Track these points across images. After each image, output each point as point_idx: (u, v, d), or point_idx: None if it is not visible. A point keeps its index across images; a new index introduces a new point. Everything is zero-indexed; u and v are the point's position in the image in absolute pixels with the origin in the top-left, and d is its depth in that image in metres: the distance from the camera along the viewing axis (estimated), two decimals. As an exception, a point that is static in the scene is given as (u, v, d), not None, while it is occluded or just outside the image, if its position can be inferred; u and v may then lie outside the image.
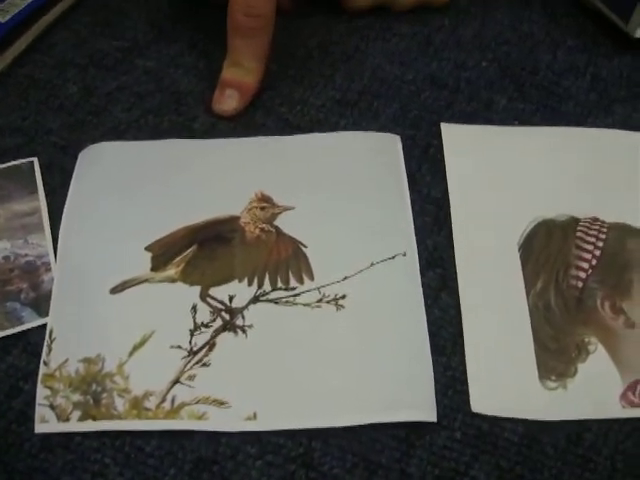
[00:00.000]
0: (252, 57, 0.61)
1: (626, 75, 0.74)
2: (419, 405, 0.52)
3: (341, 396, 0.52)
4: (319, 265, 0.58)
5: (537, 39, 0.75)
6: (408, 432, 0.52)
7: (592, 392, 0.54)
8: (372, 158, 0.64)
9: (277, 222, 0.60)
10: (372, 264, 0.58)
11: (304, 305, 0.56)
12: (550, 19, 0.76)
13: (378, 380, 0.53)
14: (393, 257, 0.58)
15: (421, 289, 0.57)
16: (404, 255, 0.58)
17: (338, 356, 0.53)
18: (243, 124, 0.66)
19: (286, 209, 0.61)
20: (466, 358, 0.55)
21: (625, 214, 0.63)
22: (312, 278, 0.57)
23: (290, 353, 0.53)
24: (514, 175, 0.65)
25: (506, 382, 0.54)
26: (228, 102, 0.63)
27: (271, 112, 0.68)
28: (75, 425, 0.47)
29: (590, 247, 0.60)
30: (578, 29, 0.76)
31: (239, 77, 0.62)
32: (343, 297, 0.56)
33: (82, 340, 0.50)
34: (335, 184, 0.62)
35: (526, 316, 0.57)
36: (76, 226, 0.55)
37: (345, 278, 0.57)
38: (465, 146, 0.66)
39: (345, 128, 0.67)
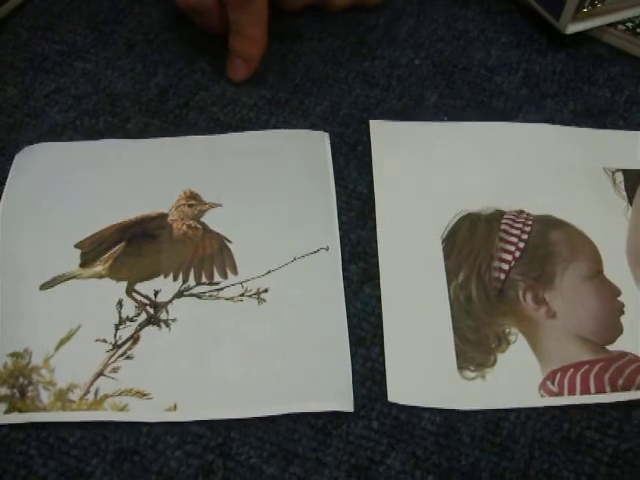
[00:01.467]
0: (250, 25, 0.65)
1: (559, 71, 0.76)
2: (336, 395, 0.54)
3: (259, 387, 0.54)
4: (243, 260, 0.60)
5: (471, 36, 0.78)
6: (325, 422, 0.54)
7: (511, 382, 0.56)
8: (300, 155, 0.66)
9: (204, 219, 0.62)
10: (295, 258, 0.60)
11: (226, 299, 0.58)
12: (486, 17, 0.79)
13: (296, 371, 0.55)
14: (316, 251, 0.60)
15: (342, 282, 0.59)
16: (327, 249, 0.60)
17: (258, 348, 0.56)
18: (175, 124, 0.69)
19: (213, 206, 0.63)
20: (385, 349, 0.57)
21: (551, 206, 0.65)
22: (236, 273, 0.59)
23: (211, 346, 0.55)
24: (440, 170, 0.67)
25: (424, 372, 0.56)
26: (236, 72, 0.70)
27: (203, 112, 0.70)
28: (1, 417, 0.49)
29: (514, 239, 0.62)
30: (514, 26, 0.79)
31: (241, 46, 0.67)
32: (265, 291, 0.59)
33: (11, 335, 0.52)
34: (263, 181, 0.64)
35: (447, 308, 0.59)
36: (10, 225, 0.56)
37: (268, 272, 0.59)
38: (392, 142, 0.68)
39: (275, 126, 0.69)
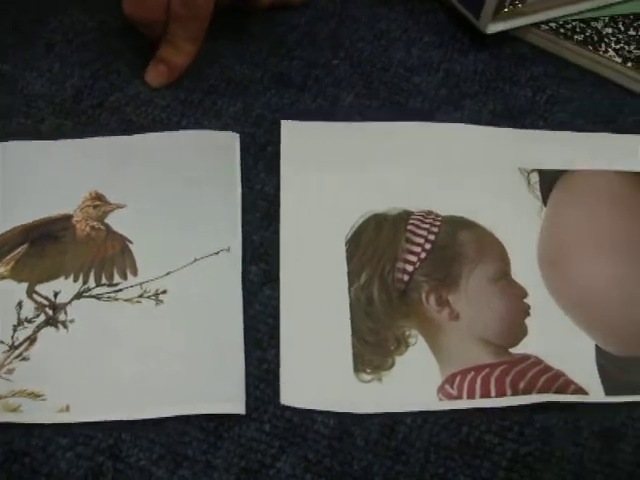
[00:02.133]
0: (186, 40, 0.66)
1: (480, 70, 0.77)
2: (228, 397, 0.54)
3: (151, 389, 0.54)
4: (144, 261, 0.60)
5: (393, 36, 0.78)
6: (217, 425, 0.54)
7: (408, 385, 0.56)
8: (208, 156, 0.67)
9: (108, 220, 0.62)
10: (195, 259, 0.60)
11: (125, 300, 0.59)
12: (409, 16, 0.79)
13: (188, 373, 0.55)
14: (217, 253, 0.61)
15: (240, 284, 0.59)
16: (228, 250, 0.61)
17: (153, 350, 0.56)
18: (88, 125, 0.69)
19: (118, 207, 0.63)
20: (280, 351, 0.57)
21: (461, 207, 0.65)
22: (135, 274, 0.60)
23: (107, 347, 0.56)
24: (349, 170, 0.67)
25: (320, 375, 0.56)
26: (157, 77, 0.69)
27: (116, 112, 0.71)
28: None
29: (421, 240, 0.62)
30: (437, 26, 0.79)
31: (170, 56, 0.67)
32: (164, 292, 0.59)
33: None
34: (169, 182, 0.64)
35: (346, 310, 0.58)
36: None
37: (168, 273, 0.59)
38: (302, 143, 0.68)
39: (187, 127, 0.69)
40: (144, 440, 0.53)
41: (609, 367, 0.58)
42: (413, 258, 0.62)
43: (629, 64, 0.76)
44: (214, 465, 0.52)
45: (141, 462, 0.52)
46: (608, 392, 0.57)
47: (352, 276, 0.60)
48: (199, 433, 0.54)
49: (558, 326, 0.60)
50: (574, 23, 0.78)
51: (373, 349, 0.57)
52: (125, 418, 0.53)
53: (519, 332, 0.60)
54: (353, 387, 0.56)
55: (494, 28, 0.76)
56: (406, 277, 0.61)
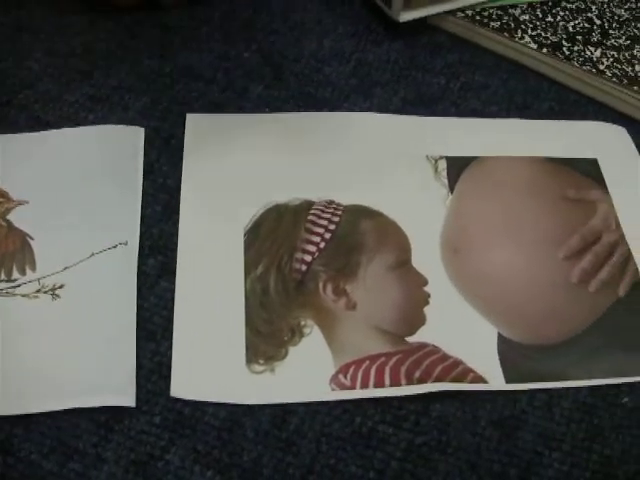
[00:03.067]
0: None
1: (393, 60, 0.77)
2: (117, 390, 0.55)
3: (43, 383, 0.55)
4: (43, 257, 0.61)
5: (307, 28, 0.78)
6: (108, 417, 0.54)
7: (301, 375, 0.56)
8: (110, 151, 0.67)
9: (10, 216, 0.63)
10: (93, 254, 0.61)
11: (22, 296, 0.59)
12: (325, 7, 0.79)
13: (79, 367, 0.55)
14: (115, 246, 0.61)
15: (136, 277, 0.60)
16: (126, 244, 0.61)
17: (47, 344, 0.56)
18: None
19: (19, 203, 0.64)
20: (173, 343, 0.57)
21: (365, 196, 0.65)
22: (34, 269, 0.60)
23: (3, 343, 0.56)
24: (252, 161, 0.67)
25: (211, 367, 0.56)
26: None
27: (25, 110, 0.71)
28: None
29: (321, 230, 0.63)
30: (352, 16, 0.79)
31: None
32: (61, 287, 0.59)
33: None
34: (71, 178, 0.65)
35: (241, 301, 0.59)
36: None
37: (65, 268, 0.60)
38: (207, 135, 0.69)
39: (93, 122, 0.70)
40: (36, 434, 0.53)
41: (511, 354, 0.58)
42: (312, 248, 0.62)
43: (545, 50, 0.77)
44: (104, 458, 0.52)
45: (32, 456, 0.52)
46: (509, 380, 0.58)
47: (249, 266, 0.61)
48: (90, 426, 0.54)
49: (458, 314, 0.60)
50: (491, 10, 0.79)
51: (266, 340, 0.57)
52: (16, 412, 0.54)
53: (417, 321, 0.60)
54: (244, 378, 0.56)
55: (406, 17, 0.77)
56: (304, 267, 0.61)
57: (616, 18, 0.81)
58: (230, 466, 0.53)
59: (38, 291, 0.59)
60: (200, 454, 0.53)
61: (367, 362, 0.57)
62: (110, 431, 0.54)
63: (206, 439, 0.54)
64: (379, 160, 0.68)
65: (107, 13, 0.74)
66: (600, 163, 0.71)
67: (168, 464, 0.52)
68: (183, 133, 0.69)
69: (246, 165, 0.67)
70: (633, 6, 0.82)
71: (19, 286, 0.59)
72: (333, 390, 0.56)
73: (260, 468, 0.52)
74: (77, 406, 0.54)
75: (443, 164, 0.69)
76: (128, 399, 0.55)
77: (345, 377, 0.56)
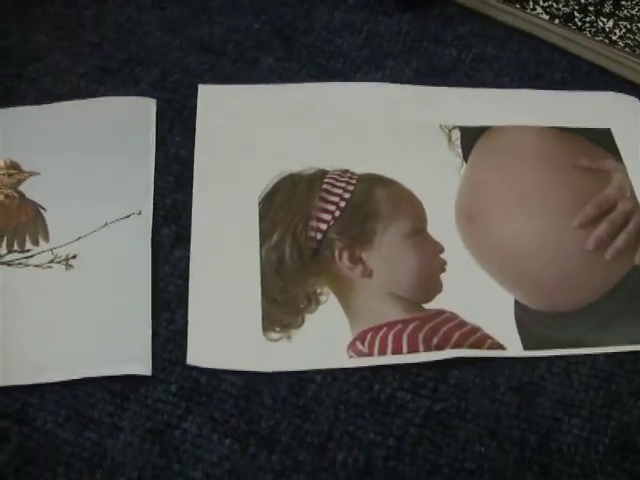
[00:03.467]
0: None
1: (405, 31, 0.77)
2: (133, 359, 0.55)
3: (58, 352, 0.55)
4: (56, 227, 0.61)
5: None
6: (124, 386, 0.54)
7: (318, 343, 0.56)
8: (123, 122, 0.67)
9: (22, 187, 0.63)
10: (106, 224, 0.61)
11: (35, 266, 0.59)
12: (335, -21, 0.76)
13: (94, 336, 0.55)
14: (128, 216, 0.61)
15: (150, 247, 0.60)
16: (139, 214, 0.61)
17: (61, 314, 0.56)
18: (8, 95, 0.70)
19: (31, 174, 0.64)
20: (189, 312, 0.57)
21: (379, 165, 0.65)
22: (47, 240, 0.60)
23: (16, 312, 0.56)
24: (265, 132, 0.67)
25: (227, 335, 0.56)
26: None
27: (35, 83, 0.71)
28: None
29: (335, 199, 0.63)
30: (363, -14, 0.75)
31: None
32: (74, 257, 0.59)
33: None
34: (85, 149, 0.65)
35: (257, 269, 0.59)
36: None
37: (78, 238, 0.60)
38: (219, 106, 0.69)
39: (104, 95, 0.69)
40: (51, 403, 0.53)
41: (528, 321, 0.58)
42: (327, 217, 0.62)
43: (557, 21, 0.77)
44: (120, 427, 0.52)
45: (47, 425, 0.52)
46: (526, 346, 0.57)
47: (264, 235, 0.60)
48: (106, 395, 0.54)
49: (475, 281, 0.60)
50: (503, -19, 0.75)
51: (283, 308, 0.57)
52: (31, 382, 0.54)
53: (434, 288, 0.59)
54: (261, 346, 0.56)
55: (419, -14, 0.72)
56: (319, 235, 0.61)
57: None
58: (248, 434, 0.52)
59: (51, 261, 0.59)
60: (217, 422, 0.53)
61: (384, 329, 0.57)
62: (126, 400, 0.53)
63: (223, 407, 0.53)
64: (392, 129, 0.68)
65: None
66: (613, 133, 0.71)
67: (185, 433, 0.52)
68: (195, 105, 0.69)
69: (258, 135, 0.67)
70: (646, -24, 0.78)
71: (32, 256, 0.59)
72: (351, 357, 0.56)
73: (278, 436, 0.52)
74: (92, 375, 0.54)
75: (457, 133, 0.69)
76: (144, 368, 0.54)
77: (363, 344, 0.56)
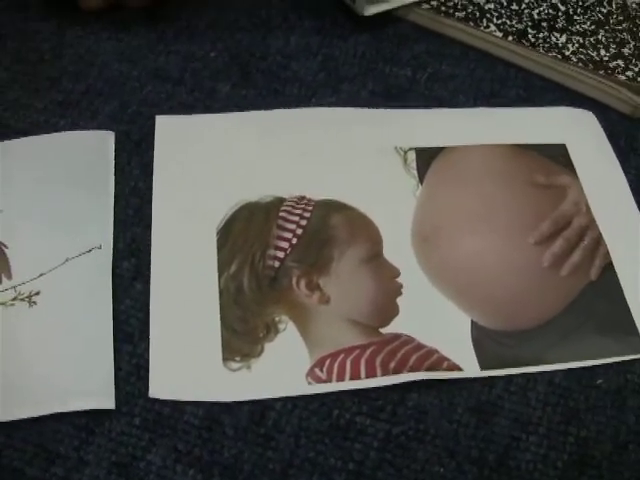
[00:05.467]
0: None
1: (360, 54, 0.79)
2: (96, 393, 0.56)
3: (21, 389, 0.56)
4: (18, 264, 0.62)
5: (273, 24, 0.80)
6: (88, 420, 0.55)
7: (278, 370, 0.58)
8: (81, 156, 0.69)
9: (-18, 226, 0.61)
10: (67, 259, 0.62)
11: (0, 304, 0.59)
12: (291, 3, 0.81)
13: (58, 371, 0.57)
14: (89, 251, 0.63)
15: (111, 280, 0.62)
16: (100, 248, 0.63)
17: (26, 352, 0.58)
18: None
19: (-9, 212, 0.62)
20: (150, 344, 0.58)
21: (335, 190, 0.67)
22: (10, 277, 0.61)
23: (-18, 352, 0.55)
24: (222, 161, 0.69)
25: (188, 366, 0.58)
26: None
27: (-5, 118, 0.69)
28: None
29: (292, 226, 0.64)
30: (318, 11, 0.81)
31: None
32: (37, 294, 0.61)
33: None
34: (45, 184, 0.67)
35: (215, 300, 0.60)
36: None
37: (40, 275, 0.61)
38: (177, 136, 0.70)
39: (64, 128, 0.71)
40: (18, 441, 0.55)
41: (485, 341, 0.60)
42: (284, 244, 0.63)
43: (510, 38, 0.78)
44: (86, 460, 0.54)
45: (15, 462, 0.54)
46: (483, 367, 0.59)
47: (222, 266, 0.62)
48: (71, 430, 0.55)
49: (431, 304, 0.62)
50: (456, 0, 0.81)
51: (242, 337, 0.59)
52: None
53: (390, 312, 0.61)
54: (222, 376, 0.57)
55: (371, 10, 0.78)
56: (277, 263, 0.62)
57: (580, 3, 0.82)
58: (211, 464, 0.54)
59: (14, 299, 0.61)
60: (181, 453, 0.54)
61: (342, 355, 0.59)
62: (91, 434, 0.55)
63: (186, 438, 0.55)
64: (348, 154, 0.70)
65: (74, 18, 0.77)
66: (569, 148, 0.73)
67: (150, 464, 0.54)
68: (153, 135, 0.70)
69: (216, 165, 0.68)
70: (597, -10, 0.79)
71: None
72: (310, 384, 0.57)
73: (241, 464, 0.54)
74: (57, 411, 0.55)
75: (412, 155, 0.70)
76: (107, 401, 0.56)
77: (321, 370, 0.58)
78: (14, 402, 0.55)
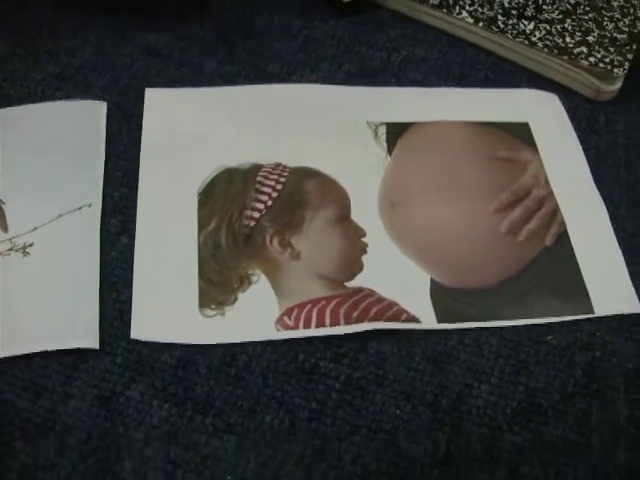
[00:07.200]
0: None
1: (339, 36, 0.85)
2: (82, 334, 0.63)
3: (15, 329, 0.62)
4: (14, 219, 0.69)
5: (259, 4, 0.87)
6: (75, 359, 0.61)
7: (249, 318, 0.64)
8: (75, 124, 0.75)
9: (-17, 185, 0.67)
10: (59, 215, 0.69)
11: (-4, 254, 0.63)
12: (277, -14, 0.83)
13: (48, 315, 0.63)
14: (80, 208, 0.69)
15: (99, 235, 0.68)
16: (90, 206, 0.69)
17: (20, 296, 0.64)
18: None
19: (-9, 173, 0.67)
20: (133, 291, 0.65)
21: (309, 159, 0.73)
22: (6, 230, 0.68)
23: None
24: (205, 131, 0.75)
25: (168, 312, 0.64)
26: None
27: (-6, 87, 0.74)
28: None
29: (268, 190, 0.71)
30: (302, -6, 0.82)
31: None
32: (31, 245, 0.67)
33: None
34: (41, 148, 0.73)
35: (194, 253, 0.67)
36: None
37: (35, 229, 0.68)
38: (164, 108, 0.77)
39: (60, 99, 0.77)
40: (9, 376, 0.60)
41: (442, 297, 0.66)
42: (260, 206, 0.69)
43: (480, 24, 0.84)
44: (71, 394, 0.59)
45: (5, 394, 0.59)
46: (440, 320, 0.65)
47: (202, 223, 0.68)
48: (58, 367, 0.61)
49: (394, 262, 0.68)
50: (432, -13, 0.82)
51: (217, 287, 0.65)
52: None
53: (355, 268, 0.67)
54: (198, 321, 0.63)
55: (351, -5, 0.80)
56: (252, 223, 0.68)
57: None
58: (185, 399, 0.60)
59: (10, 249, 0.67)
60: (158, 390, 0.60)
61: (309, 305, 0.65)
62: (76, 371, 0.61)
63: (163, 376, 0.61)
64: (323, 127, 0.76)
65: None
66: (531, 126, 0.78)
67: (129, 399, 0.60)
68: (142, 106, 0.76)
69: (200, 134, 0.74)
70: (567, -19, 0.85)
71: None
72: (278, 330, 0.63)
73: (212, 401, 0.60)
74: (46, 349, 0.61)
75: (383, 129, 0.76)
76: (92, 342, 0.62)
77: (289, 319, 0.64)
78: (7, 340, 0.62)
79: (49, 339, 0.62)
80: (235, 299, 0.65)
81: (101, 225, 0.69)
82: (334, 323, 0.64)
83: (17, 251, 0.67)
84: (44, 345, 0.62)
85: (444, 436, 0.60)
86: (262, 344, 0.63)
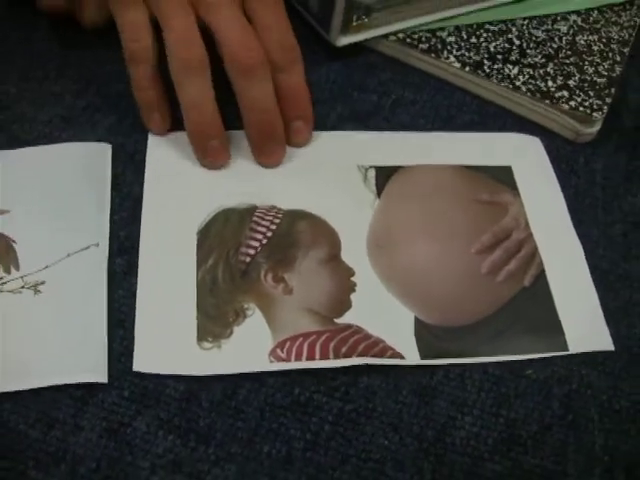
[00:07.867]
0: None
1: (332, 80, 0.89)
2: (92, 369, 0.67)
3: (27, 365, 0.66)
4: (25, 257, 0.73)
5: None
6: (84, 392, 0.65)
7: (244, 350, 0.68)
8: (82, 165, 0.80)
9: (-6, 225, 0.71)
10: (69, 254, 0.73)
11: (8, 292, 0.71)
12: (272, 33, 0.87)
13: (58, 350, 0.67)
14: (87, 247, 0.74)
15: (106, 273, 0.72)
16: (97, 245, 0.74)
17: (32, 333, 0.68)
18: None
19: (3, 212, 0.76)
20: (135, 326, 0.69)
21: (302, 202, 0.78)
22: (18, 269, 0.72)
23: (-5, 332, 0.65)
24: (204, 173, 0.81)
25: (168, 345, 0.68)
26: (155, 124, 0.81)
27: (3, 130, 0.83)
28: None
29: (263, 229, 0.75)
30: (297, 38, 0.86)
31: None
32: (42, 283, 0.71)
33: None
34: (49, 188, 0.77)
35: (193, 289, 0.71)
36: None
37: (46, 267, 0.72)
38: (166, 149, 0.82)
39: (66, 140, 0.82)
40: (22, 408, 0.64)
41: (425, 335, 0.70)
42: (255, 244, 0.74)
43: (467, 68, 0.89)
44: (81, 426, 0.63)
45: (19, 426, 0.63)
46: (423, 356, 0.69)
47: (200, 261, 0.73)
48: (68, 400, 0.64)
49: (380, 300, 0.72)
50: (421, 33, 0.91)
51: (214, 321, 0.69)
52: (5, 390, 0.65)
53: (344, 305, 0.72)
54: (195, 354, 0.67)
55: (344, 41, 0.89)
56: (248, 259, 0.73)
57: (533, 39, 0.93)
58: (188, 431, 0.64)
59: (22, 287, 0.71)
60: (163, 421, 0.64)
61: (301, 339, 0.69)
62: (86, 404, 0.65)
63: (168, 409, 0.65)
64: (315, 170, 0.80)
65: (77, 40, 0.87)
66: (513, 170, 0.83)
67: (136, 430, 0.64)
68: (146, 148, 0.81)
69: (200, 176, 0.79)
70: (549, 27, 0.95)
71: (5, 283, 0.71)
72: (271, 362, 0.68)
73: (214, 432, 0.64)
74: (57, 383, 0.65)
75: (372, 172, 0.81)
76: (101, 376, 0.66)
77: (282, 351, 0.68)
78: (20, 375, 0.65)
79: (60, 374, 0.66)
80: (231, 332, 0.69)
81: (108, 264, 0.73)
82: (324, 357, 0.68)
83: (29, 289, 0.71)
84: (55, 379, 0.65)
85: (429, 465, 0.63)
86: (260, 379, 0.67)
